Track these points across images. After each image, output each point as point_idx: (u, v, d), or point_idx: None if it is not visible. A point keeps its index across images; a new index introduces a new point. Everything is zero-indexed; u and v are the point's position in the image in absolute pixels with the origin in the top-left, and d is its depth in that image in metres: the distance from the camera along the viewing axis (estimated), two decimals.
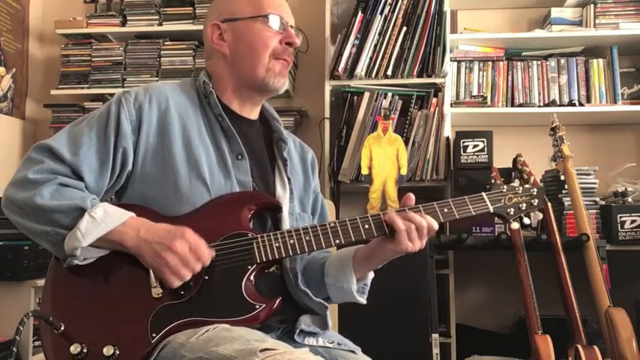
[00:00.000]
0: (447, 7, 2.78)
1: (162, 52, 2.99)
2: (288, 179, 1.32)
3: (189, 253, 1.07)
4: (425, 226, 1.17)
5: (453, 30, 2.94)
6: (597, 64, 2.87)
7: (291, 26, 1.31)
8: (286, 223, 1.27)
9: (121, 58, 3.00)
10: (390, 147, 2.64)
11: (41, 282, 2.24)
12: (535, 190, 1.31)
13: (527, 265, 2.17)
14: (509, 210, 1.28)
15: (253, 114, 1.36)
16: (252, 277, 1.14)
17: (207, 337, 1.02)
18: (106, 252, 1.12)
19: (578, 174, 2.35)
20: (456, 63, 2.93)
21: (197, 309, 1.09)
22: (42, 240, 1.12)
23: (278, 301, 1.13)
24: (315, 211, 1.43)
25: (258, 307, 1.11)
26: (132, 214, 1.12)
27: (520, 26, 3.07)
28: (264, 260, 1.14)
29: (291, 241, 1.16)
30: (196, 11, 2.97)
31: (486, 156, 2.63)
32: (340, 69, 2.75)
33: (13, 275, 2.21)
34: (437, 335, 2.33)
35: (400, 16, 2.78)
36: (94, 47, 3.03)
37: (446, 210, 1.22)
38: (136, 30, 3.02)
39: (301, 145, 1.46)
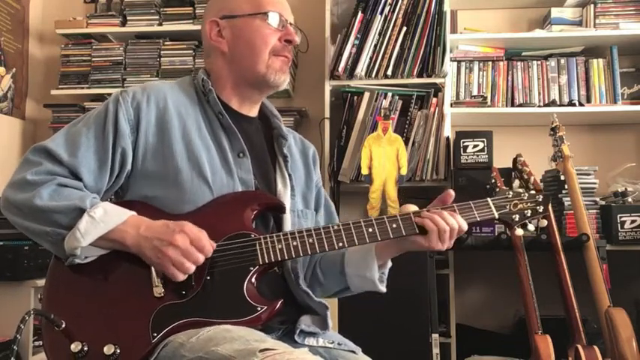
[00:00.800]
0: (447, 7, 2.78)
1: (162, 52, 2.99)
2: (289, 176, 1.31)
3: (190, 245, 1.07)
4: (456, 228, 1.18)
5: (453, 30, 2.94)
6: (597, 64, 2.87)
7: (290, 24, 1.31)
8: (288, 221, 1.26)
9: (121, 58, 3.00)
10: (390, 147, 2.64)
11: (41, 282, 2.24)
12: (541, 196, 1.31)
13: (527, 265, 2.17)
14: (514, 216, 1.28)
15: (253, 111, 1.35)
16: (253, 279, 1.13)
17: (207, 336, 1.02)
18: (107, 251, 1.11)
19: (578, 174, 2.35)
20: (456, 63, 2.93)
21: (198, 309, 1.09)
22: (42, 240, 1.11)
23: (279, 303, 1.12)
24: (318, 206, 1.42)
25: (259, 309, 1.10)
26: (132, 212, 1.12)
27: (520, 26, 3.07)
28: (267, 262, 1.14)
29: (294, 243, 1.15)
30: (196, 11, 2.97)
31: (486, 156, 2.63)
32: (340, 69, 2.75)
33: (13, 275, 2.21)
34: (437, 335, 2.33)
35: (400, 16, 2.78)
36: (94, 47, 3.03)
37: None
38: (136, 30, 3.02)
39: (302, 141, 1.46)
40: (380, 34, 2.77)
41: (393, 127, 2.71)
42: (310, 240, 1.16)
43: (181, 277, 1.08)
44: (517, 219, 1.28)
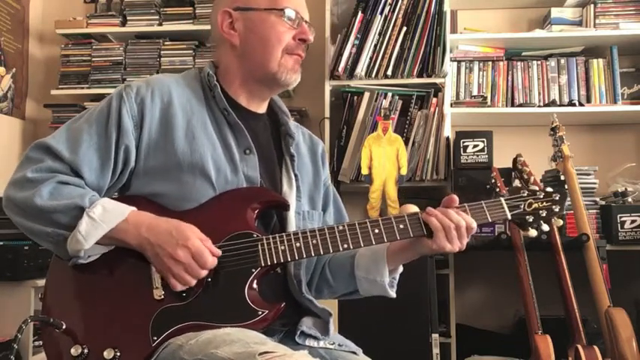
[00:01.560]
0: (447, 7, 2.78)
1: (162, 52, 3.00)
2: (296, 176, 1.28)
3: (192, 260, 1.05)
4: (463, 225, 1.13)
5: (453, 30, 2.94)
6: (597, 64, 2.87)
7: (306, 21, 1.26)
8: (292, 223, 1.23)
9: (121, 58, 3.00)
10: (390, 147, 2.64)
11: (41, 282, 2.24)
12: (558, 195, 1.23)
13: (527, 265, 2.17)
14: (527, 217, 1.21)
15: (261, 108, 1.31)
16: (255, 281, 1.11)
17: (206, 339, 1.01)
18: (109, 248, 1.10)
19: (578, 174, 2.35)
20: (456, 63, 2.93)
21: (199, 313, 1.07)
22: (43, 241, 1.10)
23: (281, 307, 1.11)
24: (327, 204, 1.39)
25: (260, 312, 1.08)
26: (132, 208, 1.09)
27: (520, 26, 3.07)
28: (269, 264, 1.11)
29: (297, 245, 1.12)
30: (196, 11, 2.98)
31: (486, 156, 2.63)
32: (340, 69, 2.75)
33: (13, 275, 2.21)
34: (437, 335, 2.33)
35: (400, 16, 2.78)
36: (94, 47, 3.03)
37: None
38: (136, 30, 3.02)
39: (310, 137, 1.42)
40: (380, 34, 2.77)
41: (393, 127, 2.71)
42: (314, 241, 1.12)
43: (180, 287, 1.07)
44: (531, 220, 1.21)
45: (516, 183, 2.44)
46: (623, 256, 2.48)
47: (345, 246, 1.13)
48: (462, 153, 2.63)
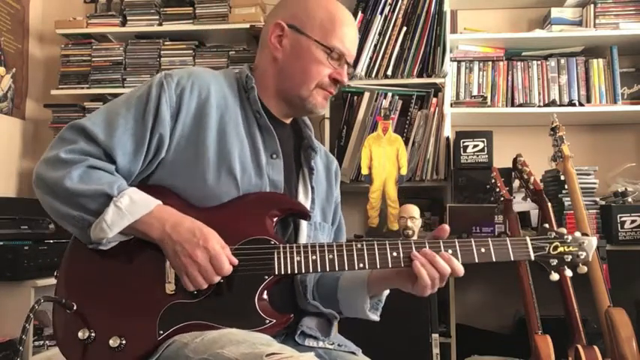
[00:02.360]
0: (447, 7, 2.79)
1: (162, 52, 3.00)
2: (312, 188, 1.30)
3: (209, 263, 1.06)
4: (448, 274, 1.12)
5: (453, 30, 2.94)
6: (597, 64, 2.87)
7: (348, 64, 1.27)
8: (304, 232, 1.25)
9: (121, 58, 3.01)
10: (390, 147, 2.65)
11: (41, 282, 2.25)
12: (585, 241, 1.19)
13: (528, 265, 2.17)
14: (552, 261, 1.17)
15: (287, 118, 1.33)
16: (266, 290, 1.12)
17: (212, 338, 1.01)
18: (130, 237, 1.11)
19: (578, 174, 2.35)
20: (456, 63, 2.94)
21: (207, 313, 1.08)
22: (67, 223, 1.10)
23: (290, 317, 1.11)
24: (334, 222, 1.41)
25: (268, 321, 1.09)
26: (158, 202, 1.10)
27: (520, 26, 3.07)
28: (283, 273, 1.11)
29: (314, 257, 1.12)
30: (196, 11, 2.97)
31: (486, 156, 2.63)
32: None
33: (13, 275, 2.21)
34: (437, 335, 2.33)
35: (400, 16, 2.78)
36: (94, 47, 3.03)
37: (483, 250, 1.15)
38: (136, 30, 3.02)
39: (326, 154, 1.44)
40: (380, 34, 2.77)
41: (393, 127, 2.72)
42: (330, 256, 1.12)
43: (192, 288, 1.07)
44: (555, 264, 1.17)
45: (516, 183, 2.44)
46: (623, 256, 2.48)
47: (361, 265, 1.12)
48: (462, 153, 2.64)
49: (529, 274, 2.16)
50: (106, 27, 3.02)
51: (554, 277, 1.17)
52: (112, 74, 3.00)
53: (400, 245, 1.13)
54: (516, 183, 2.45)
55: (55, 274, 1.14)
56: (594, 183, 2.57)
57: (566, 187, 2.36)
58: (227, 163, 1.16)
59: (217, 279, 1.07)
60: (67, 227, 1.11)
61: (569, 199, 2.38)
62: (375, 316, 1.27)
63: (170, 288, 1.09)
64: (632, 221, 2.47)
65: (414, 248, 1.13)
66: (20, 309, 2.18)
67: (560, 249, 1.18)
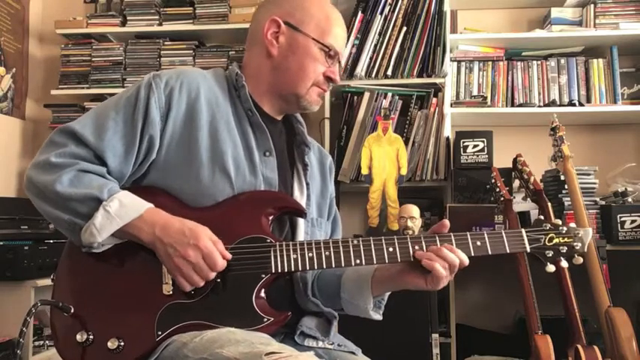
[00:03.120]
0: (447, 7, 2.79)
1: (162, 52, 3.00)
2: (307, 184, 1.30)
3: (202, 260, 1.06)
4: (457, 264, 1.12)
5: (453, 30, 2.94)
6: (597, 64, 2.87)
7: (339, 62, 1.29)
8: (301, 229, 1.25)
9: (121, 58, 3.01)
10: (390, 147, 2.65)
11: (41, 282, 2.25)
12: (581, 231, 1.19)
13: (528, 265, 2.17)
14: (547, 252, 1.18)
15: (279, 115, 1.34)
16: (264, 288, 1.12)
17: (210, 337, 1.01)
18: (123, 240, 1.11)
19: (578, 174, 2.34)
20: (456, 63, 2.94)
21: (205, 312, 1.08)
22: (59, 226, 1.10)
23: (288, 315, 1.11)
24: (329, 216, 1.41)
25: (265, 320, 1.09)
26: (149, 205, 1.10)
27: (520, 26, 3.07)
28: (280, 271, 1.11)
29: (310, 255, 1.12)
30: (196, 11, 2.97)
31: (486, 156, 2.63)
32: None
33: (13, 275, 2.21)
34: (437, 335, 2.33)
35: (400, 16, 2.78)
36: (94, 47, 3.03)
37: (479, 243, 1.16)
38: (136, 30, 3.02)
39: (320, 150, 1.44)
40: (380, 34, 2.77)
41: (393, 127, 2.72)
42: (327, 253, 1.12)
43: (189, 288, 1.07)
44: (550, 255, 1.17)
45: (516, 183, 2.44)
46: (623, 256, 2.48)
47: (358, 262, 1.12)
48: (462, 153, 2.64)
49: (529, 274, 2.16)
50: (106, 27, 3.02)
51: (550, 268, 1.18)
52: (112, 74, 3.00)
53: (396, 240, 1.13)
54: (516, 183, 2.45)
55: (52, 277, 1.14)
56: (594, 183, 2.57)
57: (566, 187, 2.36)
58: (220, 161, 1.16)
59: (213, 275, 1.07)
60: (60, 229, 1.11)
61: (569, 199, 2.38)
62: (377, 316, 1.26)
63: (167, 289, 1.09)
64: (632, 221, 2.47)
65: (409, 243, 1.13)
66: (20, 309, 2.18)
67: (556, 240, 1.18)
